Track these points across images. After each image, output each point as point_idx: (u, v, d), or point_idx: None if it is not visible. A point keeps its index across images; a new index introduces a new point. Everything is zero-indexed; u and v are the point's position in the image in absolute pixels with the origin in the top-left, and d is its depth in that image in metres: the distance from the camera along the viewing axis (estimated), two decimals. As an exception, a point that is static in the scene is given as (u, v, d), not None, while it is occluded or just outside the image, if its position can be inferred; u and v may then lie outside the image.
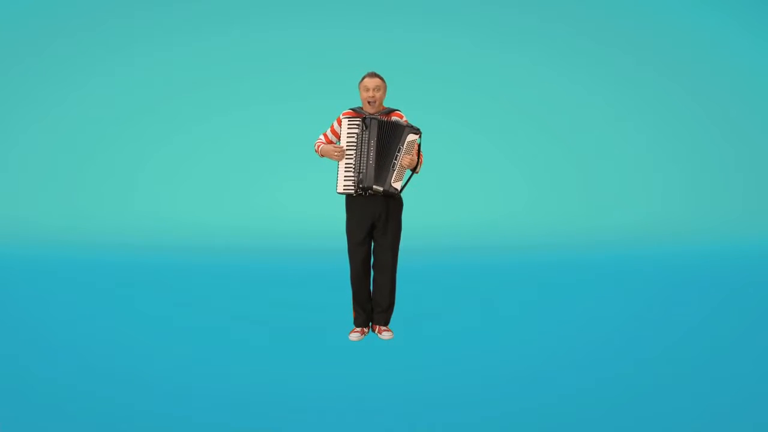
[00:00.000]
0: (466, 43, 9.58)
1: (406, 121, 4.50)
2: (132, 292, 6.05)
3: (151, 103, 9.34)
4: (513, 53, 9.65)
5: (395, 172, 4.43)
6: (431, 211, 8.33)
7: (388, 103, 4.65)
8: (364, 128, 4.42)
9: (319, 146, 4.63)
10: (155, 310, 5.33)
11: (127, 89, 9.36)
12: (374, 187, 4.42)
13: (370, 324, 4.74)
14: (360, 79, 4.57)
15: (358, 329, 4.67)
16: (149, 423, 3.27)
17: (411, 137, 4.45)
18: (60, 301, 5.65)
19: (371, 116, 4.44)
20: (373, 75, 4.50)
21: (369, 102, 4.47)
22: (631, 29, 9.82)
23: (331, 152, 4.53)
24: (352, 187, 4.47)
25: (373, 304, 4.68)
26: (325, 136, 4.64)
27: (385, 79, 4.58)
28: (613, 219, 8.73)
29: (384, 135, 4.43)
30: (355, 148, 4.45)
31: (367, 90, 4.46)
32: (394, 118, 4.50)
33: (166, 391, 3.67)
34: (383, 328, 4.66)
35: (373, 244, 4.62)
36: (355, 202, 4.56)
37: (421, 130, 4.50)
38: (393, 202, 4.55)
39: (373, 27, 9.48)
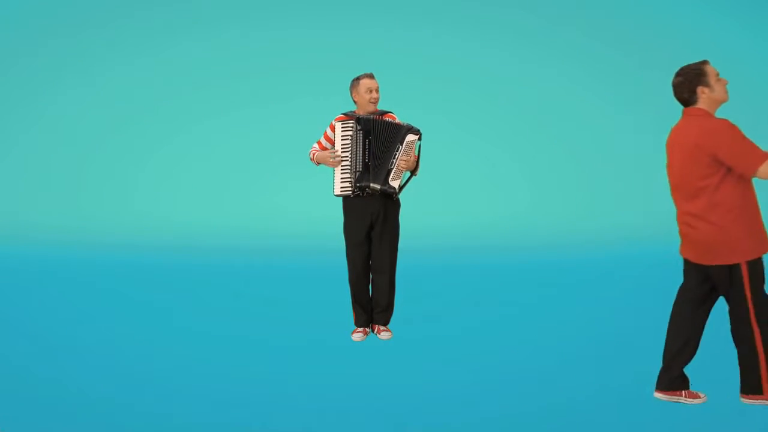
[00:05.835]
0: (467, 43, 9.57)
1: (408, 125, 4.47)
2: (132, 292, 6.05)
3: (152, 103, 9.33)
4: (515, 53, 9.65)
5: (393, 171, 4.42)
6: (432, 211, 8.33)
7: (385, 104, 4.65)
8: (359, 128, 4.42)
9: (313, 154, 4.62)
10: (155, 310, 5.33)
11: (127, 89, 9.36)
12: (371, 185, 4.41)
13: (371, 324, 4.73)
14: (354, 80, 4.50)
15: (361, 329, 4.65)
16: (149, 422, 3.27)
17: (410, 137, 4.44)
18: (60, 301, 5.64)
19: (364, 117, 4.44)
20: (372, 76, 4.50)
21: (372, 102, 4.47)
22: (632, 29, 9.82)
23: (326, 158, 4.52)
24: (349, 188, 4.47)
25: (372, 303, 4.67)
26: (319, 143, 4.63)
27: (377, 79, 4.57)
28: (614, 219, 8.72)
29: (379, 134, 4.42)
30: (350, 149, 4.45)
31: (371, 91, 4.45)
32: (387, 119, 4.50)
33: (166, 390, 3.66)
34: (382, 328, 4.65)
35: (371, 244, 4.61)
36: (352, 203, 4.54)
37: (421, 132, 4.48)
38: (390, 202, 4.53)
39: (373, 27, 9.48)
